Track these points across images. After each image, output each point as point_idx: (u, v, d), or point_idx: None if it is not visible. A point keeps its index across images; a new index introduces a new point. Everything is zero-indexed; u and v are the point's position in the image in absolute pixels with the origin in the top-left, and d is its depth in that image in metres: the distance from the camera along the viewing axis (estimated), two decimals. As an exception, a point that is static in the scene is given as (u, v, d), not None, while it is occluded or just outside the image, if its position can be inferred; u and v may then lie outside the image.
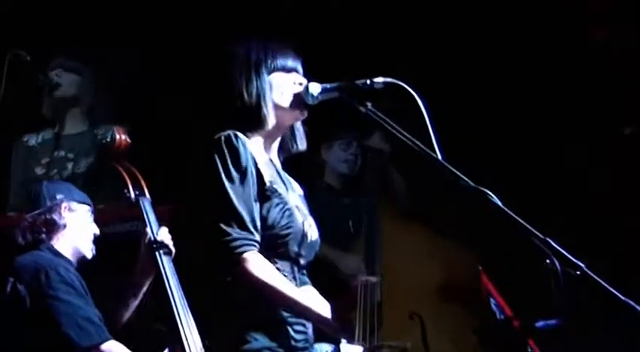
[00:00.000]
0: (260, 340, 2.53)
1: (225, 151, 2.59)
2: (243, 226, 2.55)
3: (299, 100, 2.74)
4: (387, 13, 5.12)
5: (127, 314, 3.47)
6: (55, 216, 3.56)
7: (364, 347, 2.91)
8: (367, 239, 3.70)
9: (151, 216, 3.49)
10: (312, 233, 2.75)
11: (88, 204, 3.67)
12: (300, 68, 2.80)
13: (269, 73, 2.74)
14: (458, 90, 4.93)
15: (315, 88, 2.72)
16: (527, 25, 5.01)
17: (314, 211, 3.42)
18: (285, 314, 2.60)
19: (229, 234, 2.52)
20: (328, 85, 2.72)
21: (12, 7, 5.00)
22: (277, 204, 2.64)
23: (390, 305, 3.14)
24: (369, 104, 2.64)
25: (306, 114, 2.77)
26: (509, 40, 4.99)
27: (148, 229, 3.43)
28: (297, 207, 2.73)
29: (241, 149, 2.60)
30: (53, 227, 3.55)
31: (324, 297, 2.70)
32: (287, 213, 2.66)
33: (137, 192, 3.55)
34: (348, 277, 3.94)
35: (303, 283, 2.74)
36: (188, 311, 3.24)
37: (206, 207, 2.62)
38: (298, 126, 2.86)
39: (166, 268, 3.34)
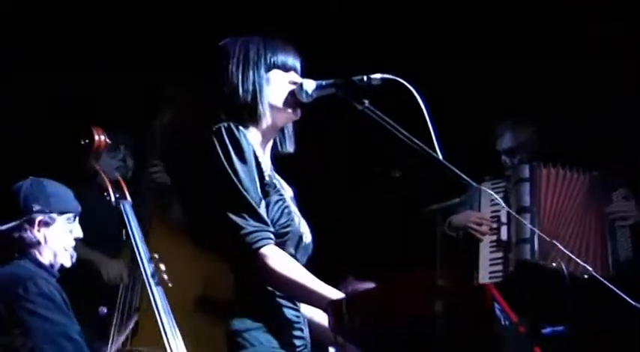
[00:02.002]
0: (259, 345, 2.43)
1: (227, 141, 2.47)
2: (256, 217, 2.43)
3: (293, 100, 2.63)
4: (384, 8, 5.05)
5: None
6: (27, 234, 3.38)
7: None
8: (134, 247, 3.66)
9: (132, 220, 3.37)
10: (307, 235, 2.64)
11: (70, 211, 3.48)
12: (298, 68, 2.69)
13: (267, 70, 2.63)
14: (455, 85, 4.86)
15: (310, 85, 2.62)
16: (527, 24, 4.94)
17: (86, 214, 3.53)
18: (286, 318, 2.51)
19: (243, 228, 2.41)
20: (324, 82, 2.62)
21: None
22: (277, 201, 2.53)
23: (150, 312, 3.20)
24: (366, 101, 2.55)
25: (299, 114, 2.66)
26: (508, 37, 4.91)
27: (130, 233, 3.30)
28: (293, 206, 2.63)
29: (243, 139, 2.49)
30: (25, 244, 3.37)
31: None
32: (286, 210, 2.55)
33: (117, 195, 3.42)
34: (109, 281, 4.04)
35: None
36: (176, 329, 3.13)
37: (211, 200, 2.49)
38: (288, 126, 2.75)
39: (155, 294, 3.21)
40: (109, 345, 3.16)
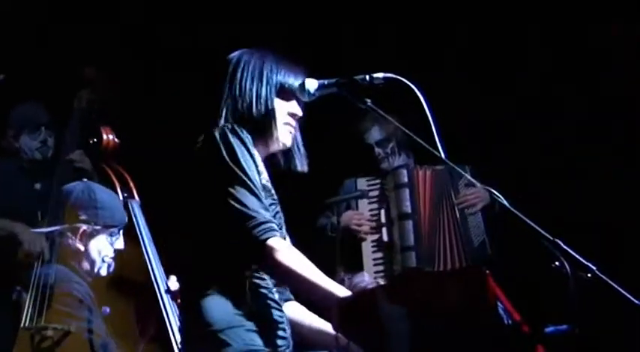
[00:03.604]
0: (241, 343, 2.41)
1: (232, 139, 2.47)
2: (264, 209, 2.43)
3: (287, 129, 2.64)
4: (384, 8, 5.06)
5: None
6: (68, 242, 3.39)
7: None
8: (50, 223, 3.66)
9: (140, 219, 3.36)
10: (289, 240, 2.64)
11: (115, 225, 3.44)
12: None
13: (277, 94, 2.62)
14: (458, 85, 4.86)
15: (312, 85, 2.63)
16: (527, 22, 4.94)
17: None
18: (271, 318, 2.50)
19: (252, 218, 2.39)
20: (326, 81, 2.63)
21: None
22: (271, 205, 2.55)
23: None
24: (368, 100, 2.55)
25: (289, 144, 2.66)
26: (509, 33, 4.92)
27: (138, 233, 3.29)
28: None
29: (246, 139, 2.50)
30: (64, 250, 3.39)
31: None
32: (278, 215, 2.57)
33: (125, 195, 3.41)
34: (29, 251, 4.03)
35: (287, 298, 2.68)
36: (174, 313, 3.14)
37: (216, 193, 2.46)
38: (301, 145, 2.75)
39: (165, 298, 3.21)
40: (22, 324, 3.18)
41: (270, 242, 2.40)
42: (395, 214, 4.34)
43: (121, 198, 3.40)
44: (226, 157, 2.45)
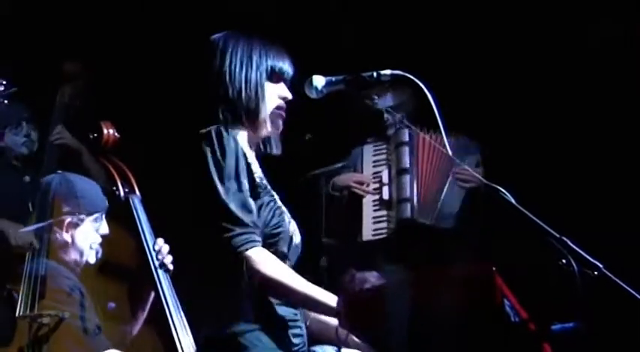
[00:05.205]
0: (260, 345, 2.43)
1: (216, 144, 2.49)
2: (241, 222, 2.44)
3: (279, 114, 2.65)
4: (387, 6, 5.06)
5: (137, 328, 3.35)
6: (55, 236, 3.41)
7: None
8: (39, 215, 3.64)
9: (141, 215, 3.35)
10: (297, 235, 2.65)
11: (98, 211, 3.48)
12: (290, 76, 2.69)
13: (266, 77, 2.63)
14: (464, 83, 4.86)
15: (320, 81, 2.64)
16: (529, 20, 4.93)
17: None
18: (284, 317, 2.51)
19: (229, 230, 2.42)
20: (333, 78, 2.64)
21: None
22: (268, 202, 2.56)
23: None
24: (375, 97, 2.56)
25: (281, 128, 2.67)
26: (513, 32, 4.90)
27: (139, 228, 3.29)
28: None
29: (232, 143, 2.50)
30: (53, 245, 3.40)
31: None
32: (277, 211, 2.57)
33: (127, 190, 3.40)
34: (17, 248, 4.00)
35: None
36: (183, 317, 3.13)
37: (202, 204, 2.50)
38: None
39: (164, 286, 3.20)
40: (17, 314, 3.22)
41: (248, 253, 2.42)
42: (394, 172, 4.48)
43: (122, 193, 3.39)
44: (211, 165, 2.46)
